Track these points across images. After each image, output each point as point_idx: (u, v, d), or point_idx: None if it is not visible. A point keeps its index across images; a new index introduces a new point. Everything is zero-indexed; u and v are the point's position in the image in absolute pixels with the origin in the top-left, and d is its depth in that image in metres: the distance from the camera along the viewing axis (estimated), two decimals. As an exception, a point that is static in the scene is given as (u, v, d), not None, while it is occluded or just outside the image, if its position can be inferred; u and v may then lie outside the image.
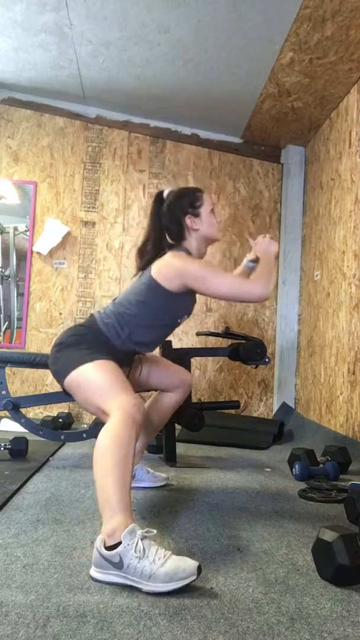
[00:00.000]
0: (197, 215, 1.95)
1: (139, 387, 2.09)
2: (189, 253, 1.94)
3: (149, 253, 1.97)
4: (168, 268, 1.83)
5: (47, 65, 3.75)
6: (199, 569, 1.26)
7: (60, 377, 1.73)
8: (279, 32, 3.01)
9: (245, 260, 2.26)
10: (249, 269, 2.24)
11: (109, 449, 1.39)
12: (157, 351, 2.35)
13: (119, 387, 1.57)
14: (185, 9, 2.93)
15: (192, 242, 1.96)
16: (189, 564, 1.26)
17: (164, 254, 1.91)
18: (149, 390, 2.32)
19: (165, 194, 2.01)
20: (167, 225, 1.96)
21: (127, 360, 1.93)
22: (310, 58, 3.20)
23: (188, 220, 1.94)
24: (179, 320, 1.98)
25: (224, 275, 1.87)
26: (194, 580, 1.25)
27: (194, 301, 2.02)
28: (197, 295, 1.94)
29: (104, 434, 1.43)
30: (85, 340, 1.76)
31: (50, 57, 3.63)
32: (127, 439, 1.41)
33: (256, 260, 2.14)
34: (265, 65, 3.36)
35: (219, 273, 1.86)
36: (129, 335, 1.85)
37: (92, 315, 1.92)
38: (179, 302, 1.90)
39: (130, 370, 1.99)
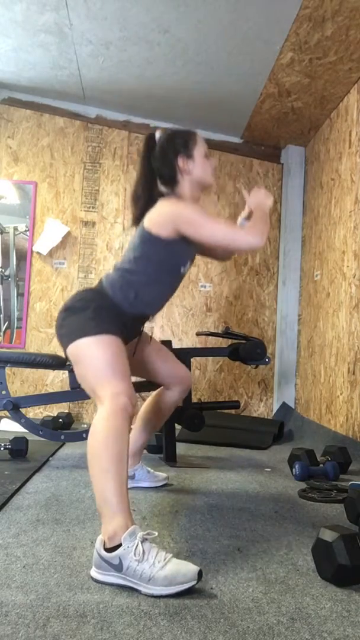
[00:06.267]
0: (190, 156, 1.84)
1: (135, 370, 1.99)
2: (182, 199, 1.84)
3: (140, 198, 1.87)
4: (160, 215, 1.75)
5: (47, 65, 3.75)
6: (200, 574, 1.25)
7: (63, 344, 1.66)
8: (279, 32, 3.01)
9: (240, 219, 2.12)
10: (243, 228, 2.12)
11: (103, 445, 1.38)
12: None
13: (115, 371, 1.51)
14: (185, 9, 2.93)
15: (185, 186, 1.85)
16: (189, 569, 1.25)
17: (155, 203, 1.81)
18: (143, 379, 2.29)
19: (157, 135, 1.89)
20: (159, 168, 1.85)
21: (136, 327, 1.88)
22: (310, 58, 3.20)
23: (180, 161, 1.83)
24: (182, 270, 1.88)
25: (217, 221, 1.76)
26: (193, 585, 1.24)
27: (195, 247, 1.90)
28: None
29: (97, 428, 1.41)
30: (93, 306, 1.67)
31: (50, 57, 3.63)
32: (120, 431, 1.40)
33: (250, 217, 2.00)
34: (265, 65, 3.36)
35: (212, 218, 1.74)
36: (136, 296, 1.77)
37: (100, 280, 1.83)
38: (178, 249, 1.79)
39: (139, 339, 1.93)
